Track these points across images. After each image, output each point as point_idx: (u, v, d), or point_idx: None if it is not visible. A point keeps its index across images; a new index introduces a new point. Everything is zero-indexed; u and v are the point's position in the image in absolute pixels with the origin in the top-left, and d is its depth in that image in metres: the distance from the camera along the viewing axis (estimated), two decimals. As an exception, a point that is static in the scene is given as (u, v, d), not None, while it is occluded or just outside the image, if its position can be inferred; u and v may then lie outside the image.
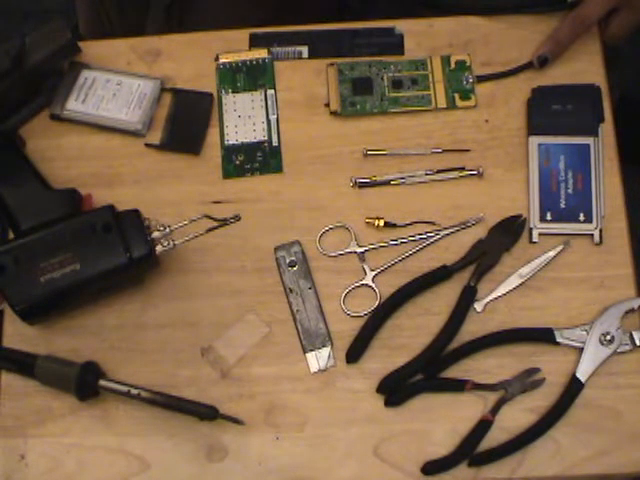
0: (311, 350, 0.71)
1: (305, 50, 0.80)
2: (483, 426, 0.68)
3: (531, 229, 0.73)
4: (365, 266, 0.73)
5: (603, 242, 0.72)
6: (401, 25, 0.80)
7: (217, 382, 0.71)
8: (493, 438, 0.68)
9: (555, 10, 0.78)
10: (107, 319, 0.73)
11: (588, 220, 0.72)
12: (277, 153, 0.77)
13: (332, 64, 0.79)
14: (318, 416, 0.69)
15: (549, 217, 0.73)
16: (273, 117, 0.78)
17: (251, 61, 0.80)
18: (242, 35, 0.81)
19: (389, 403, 0.69)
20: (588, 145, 0.74)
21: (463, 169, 0.75)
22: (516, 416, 0.68)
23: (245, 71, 0.79)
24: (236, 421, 0.68)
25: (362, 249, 0.73)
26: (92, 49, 0.80)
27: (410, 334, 0.71)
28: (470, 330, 0.71)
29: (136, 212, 0.70)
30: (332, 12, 0.98)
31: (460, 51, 0.79)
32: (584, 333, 0.69)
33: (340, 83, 0.78)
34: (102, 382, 0.69)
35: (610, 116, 0.76)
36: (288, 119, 0.78)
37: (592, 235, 0.72)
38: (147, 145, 0.77)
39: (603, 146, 0.74)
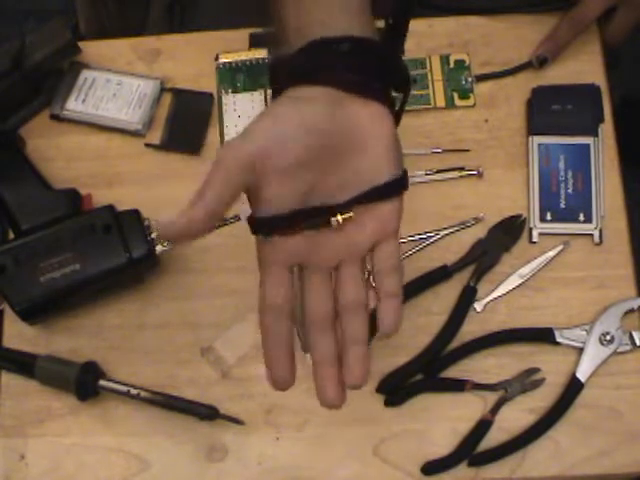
0: (311, 350, 0.71)
1: (305, 50, 0.80)
2: (483, 426, 0.68)
3: (531, 229, 0.73)
4: (365, 266, 0.73)
5: (603, 242, 0.72)
6: (401, 25, 0.80)
7: (217, 382, 0.71)
8: (493, 438, 0.68)
9: (555, 10, 0.78)
10: (107, 319, 0.73)
11: (588, 220, 0.72)
12: (277, 153, 0.76)
13: (332, 64, 0.79)
14: (318, 416, 0.69)
15: (549, 217, 0.73)
16: (273, 117, 0.78)
17: (251, 61, 0.79)
18: (242, 35, 0.81)
19: (389, 403, 0.69)
20: (588, 145, 0.74)
21: (463, 169, 0.75)
22: (516, 416, 0.68)
23: (245, 71, 0.79)
24: (236, 421, 0.68)
25: (362, 249, 0.73)
26: (92, 49, 0.80)
27: (410, 334, 0.71)
28: (470, 330, 0.70)
29: (136, 212, 0.70)
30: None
31: (460, 51, 0.78)
32: (584, 333, 0.69)
33: (340, 83, 0.78)
34: (102, 382, 0.69)
35: (610, 116, 0.75)
36: (288, 119, 0.78)
37: (592, 235, 0.72)
38: (147, 145, 0.77)
39: (603, 146, 0.74)
